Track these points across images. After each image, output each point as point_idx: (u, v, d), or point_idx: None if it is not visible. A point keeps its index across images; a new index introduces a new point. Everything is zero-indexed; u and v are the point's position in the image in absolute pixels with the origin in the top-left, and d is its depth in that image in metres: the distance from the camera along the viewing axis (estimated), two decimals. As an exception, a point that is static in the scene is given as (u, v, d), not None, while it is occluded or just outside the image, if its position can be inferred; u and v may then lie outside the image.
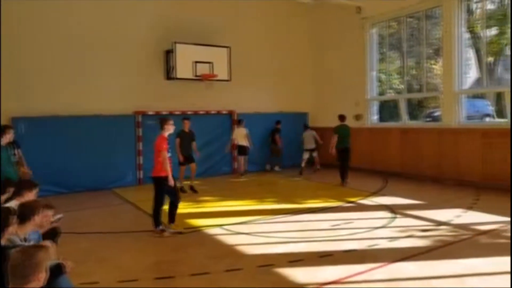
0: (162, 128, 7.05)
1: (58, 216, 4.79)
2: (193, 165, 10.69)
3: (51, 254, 3.68)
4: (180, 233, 6.82)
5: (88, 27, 11.48)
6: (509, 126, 9.67)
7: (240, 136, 12.92)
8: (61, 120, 10.96)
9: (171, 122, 7.12)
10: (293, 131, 14.60)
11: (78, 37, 11.34)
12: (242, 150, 13.04)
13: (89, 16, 11.47)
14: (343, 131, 11.02)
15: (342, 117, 11.29)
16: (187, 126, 10.60)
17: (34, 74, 10.71)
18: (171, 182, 6.81)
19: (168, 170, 6.73)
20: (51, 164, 10.53)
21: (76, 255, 5.52)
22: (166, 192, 6.89)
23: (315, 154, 13.78)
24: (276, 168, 14.20)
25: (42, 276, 2.79)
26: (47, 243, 3.97)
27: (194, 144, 10.70)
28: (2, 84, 9.67)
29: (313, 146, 13.61)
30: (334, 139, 10.97)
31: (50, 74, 10.95)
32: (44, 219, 4.11)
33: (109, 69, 11.80)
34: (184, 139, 10.46)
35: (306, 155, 13.53)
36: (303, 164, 13.38)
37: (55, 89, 10.99)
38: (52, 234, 4.61)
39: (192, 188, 10.60)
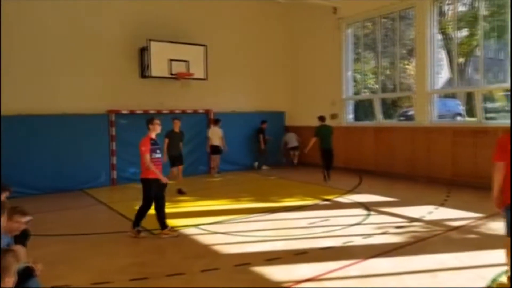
0: (148, 128, 6.76)
1: (27, 218, 4.65)
2: (180, 167, 10.36)
3: (20, 258, 3.62)
4: (177, 236, 6.62)
5: (59, 25, 11.23)
6: (479, 125, 9.95)
7: (216, 136, 12.89)
8: (31, 119, 10.66)
9: (158, 121, 6.83)
10: (270, 130, 14.64)
11: (49, 35, 11.09)
12: (216, 149, 13.04)
13: (60, 13, 11.22)
14: (324, 132, 11.35)
15: (322, 118, 11.62)
16: (177, 126, 10.24)
17: (2, 72, 10.36)
18: (164, 180, 6.60)
19: (155, 172, 6.50)
20: (20, 165, 10.28)
21: (48, 258, 5.39)
22: (154, 195, 6.60)
23: (297, 152, 14.61)
24: (264, 167, 14.38)
25: (10, 280, 2.74)
26: (17, 246, 3.89)
27: (180, 145, 10.42)
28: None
29: (295, 144, 14.57)
30: (313, 140, 11.41)
31: (19, 72, 10.64)
32: (15, 225, 4.03)
33: (81, 67, 11.56)
34: (173, 139, 10.11)
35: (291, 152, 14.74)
36: (295, 161, 14.67)
37: (23, 88, 10.69)
38: (21, 237, 4.47)
39: (180, 191, 10.19)
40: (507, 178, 4.03)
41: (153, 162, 6.55)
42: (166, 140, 9.99)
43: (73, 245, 6.34)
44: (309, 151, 11.89)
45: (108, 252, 5.99)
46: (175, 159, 10.19)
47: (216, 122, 13.15)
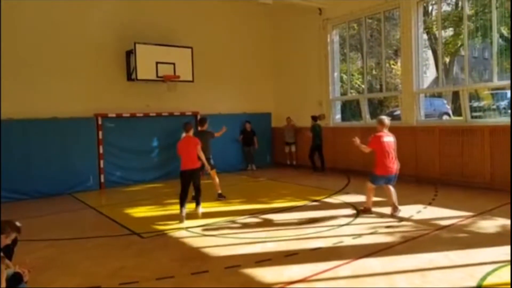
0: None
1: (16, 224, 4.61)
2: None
3: (9, 265, 3.58)
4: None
5: (45, 29, 11.09)
6: (465, 124, 10.06)
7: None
8: (18, 123, 10.53)
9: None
10: (257, 132, 14.63)
11: (35, 39, 10.94)
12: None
13: (46, 17, 11.08)
14: (318, 130, 12.79)
15: (314, 118, 12.87)
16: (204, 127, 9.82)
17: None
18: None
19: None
20: (7, 170, 10.10)
21: (36, 263, 5.31)
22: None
23: (294, 149, 14.68)
24: (254, 167, 14.59)
25: None
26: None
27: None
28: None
29: (292, 140, 14.62)
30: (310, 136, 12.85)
31: (5, 75, 10.42)
32: (5, 240, 4.07)
33: (68, 71, 11.44)
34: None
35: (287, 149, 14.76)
36: (294, 161, 14.77)
37: (9, 92, 10.48)
38: (10, 243, 4.45)
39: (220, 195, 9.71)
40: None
41: None
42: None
43: (61, 250, 6.25)
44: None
45: (97, 256, 5.92)
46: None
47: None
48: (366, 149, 7.63)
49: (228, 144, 14.07)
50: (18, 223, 4.54)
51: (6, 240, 4.12)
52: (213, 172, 9.39)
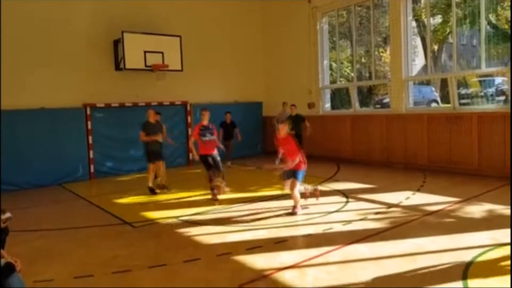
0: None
1: (7, 215, 4.59)
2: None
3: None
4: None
5: (31, 17, 10.91)
6: (453, 111, 10.16)
7: None
8: (5, 114, 10.39)
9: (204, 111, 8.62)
10: (248, 121, 14.63)
11: (22, 28, 10.77)
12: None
13: (32, 6, 10.88)
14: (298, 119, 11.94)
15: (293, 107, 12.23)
16: (151, 116, 9.54)
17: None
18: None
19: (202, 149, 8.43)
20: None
21: (28, 253, 5.33)
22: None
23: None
24: (229, 163, 12.77)
25: None
26: None
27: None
28: None
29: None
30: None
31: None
32: None
33: (56, 61, 11.31)
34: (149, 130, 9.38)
35: None
36: None
37: (-4, 82, 10.39)
38: (1, 233, 4.43)
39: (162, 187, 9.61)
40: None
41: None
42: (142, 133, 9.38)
43: (53, 240, 6.24)
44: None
45: (89, 245, 5.94)
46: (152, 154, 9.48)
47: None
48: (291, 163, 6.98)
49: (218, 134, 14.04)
50: (7, 214, 4.54)
51: None
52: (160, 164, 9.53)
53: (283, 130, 7.09)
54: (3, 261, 3.67)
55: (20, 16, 10.76)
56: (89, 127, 11.72)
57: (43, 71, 11.11)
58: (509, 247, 4.89)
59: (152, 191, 9.30)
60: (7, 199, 9.25)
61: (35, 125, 10.84)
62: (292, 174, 6.96)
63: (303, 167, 6.99)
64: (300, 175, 6.97)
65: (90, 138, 11.72)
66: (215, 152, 8.62)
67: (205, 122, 8.53)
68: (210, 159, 8.48)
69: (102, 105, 11.94)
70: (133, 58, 11.87)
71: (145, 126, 9.46)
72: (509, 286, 3.95)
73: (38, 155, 10.84)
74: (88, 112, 11.74)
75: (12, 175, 10.39)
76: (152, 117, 9.58)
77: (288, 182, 7.05)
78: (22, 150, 10.59)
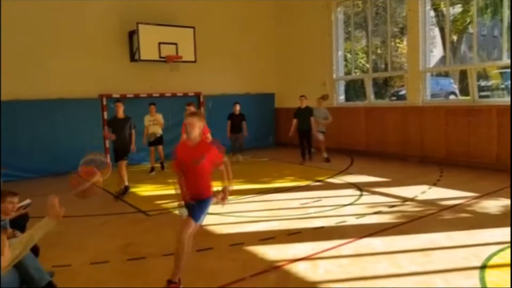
0: None
1: (26, 202, 4.71)
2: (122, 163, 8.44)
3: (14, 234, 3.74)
4: None
5: (49, 10, 11.01)
6: (472, 104, 9.95)
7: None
8: (24, 104, 10.64)
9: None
10: (260, 112, 14.57)
11: (40, 20, 10.91)
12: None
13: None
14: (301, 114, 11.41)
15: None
16: (120, 111, 8.49)
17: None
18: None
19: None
20: (15, 149, 10.31)
21: (46, 239, 5.35)
22: None
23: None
24: (241, 158, 12.20)
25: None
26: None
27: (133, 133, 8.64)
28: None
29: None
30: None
31: (10, 57, 10.46)
32: (8, 205, 4.23)
33: (73, 52, 11.45)
34: (116, 126, 8.46)
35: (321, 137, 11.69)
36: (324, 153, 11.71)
37: (16, 73, 10.58)
38: (21, 219, 4.66)
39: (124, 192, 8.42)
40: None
41: None
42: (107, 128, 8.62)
43: (70, 227, 6.30)
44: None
45: (105, 233, 6.04)
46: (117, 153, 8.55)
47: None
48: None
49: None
50: (27, 200, 4.65)
51: (7, 206, 4.23)
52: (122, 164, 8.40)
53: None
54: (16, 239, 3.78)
55: (38, 8, 10.86)
56: (105, 117, 11.81)
57: (61, 62, 11.25)
58: (527, 243, 4.76)
59: (118, 195, 8.17)
60: (26, 186, 9.38)
61: (53, 115, 11.08)
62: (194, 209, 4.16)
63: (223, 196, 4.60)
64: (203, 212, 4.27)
65: (106, 128, 11.79)
66: None
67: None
68: None
69: (118, 95, 12.00)
70: (147, 49, 11.93)
71: (110, 122, 8.67)
72: (510, 286, 3.85)
73: (56, 143, 11.05)
74: (104, 102, 11.85)
75: (30, 163, 10.61)
76: (120, 112, 8.47)
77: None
78: (40, 139, 10.82)
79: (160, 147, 10.92)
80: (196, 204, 4.18)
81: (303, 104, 11.36)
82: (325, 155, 11.47)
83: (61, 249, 5.30)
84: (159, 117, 10.87)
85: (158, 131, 10.86)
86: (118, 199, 8.05)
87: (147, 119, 10.85)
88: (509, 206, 6.43)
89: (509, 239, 4.94)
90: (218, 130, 13.56)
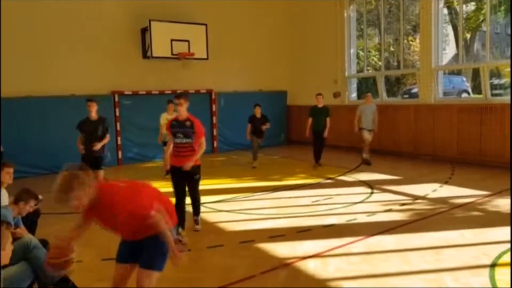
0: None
1: (39, 197, 4.80)
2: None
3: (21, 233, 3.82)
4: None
5: (61, 7, 11.09)
6: (485, 102, 9.86)
7: None
8: (36, 100, 10.71)
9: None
10: (272, 110, 14.55)
11: (52, 17, 10.99)
12: None
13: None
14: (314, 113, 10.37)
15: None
16: (93, 111, 7.54)
17: (5, 54, 10.26)
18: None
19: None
20: (27, 145, 10.39)
21: (54, 235, 5.46)
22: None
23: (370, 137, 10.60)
24: (256, 164, 10.89)
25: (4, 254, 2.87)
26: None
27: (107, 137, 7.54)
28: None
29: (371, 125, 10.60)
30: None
31: (23, 54, 10.59)
32: (29, 209, 4.40)
33: (85, 49, 11.51)
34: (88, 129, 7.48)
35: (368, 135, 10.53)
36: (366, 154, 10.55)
37: (27, 70, 10.68)
38: (33, 215, 4.74)
39: None
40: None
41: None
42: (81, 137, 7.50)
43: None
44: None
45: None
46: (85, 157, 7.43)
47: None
48: None
49: (242, 122, 14.06)
50: (40, 196, 4.73)
51: (26, 207, 4.34)
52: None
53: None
54: (27, 238, 3.86)
55: (51, 5, 10.95)
56: (117, 114, 11.92)
57: (73, 59, 11.32)
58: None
59: None
60: (37, 182, 9.52)
61: (65, 111, 11.06)
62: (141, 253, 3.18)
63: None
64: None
65: (118, 124, 11.92)
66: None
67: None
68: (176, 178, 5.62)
69: (130, 92, 12.11)
70: (160, 46, 11.99)
71: (81, 125, 7.52)
72: (510, 286, 3.84)
73: (67, 140, 11.02)
74: (116, 99, 11.94)
75: (42, 159, 10.69)
76: (93, 113, 7.53)
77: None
78: (52, 135, 10.85)
79: None
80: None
81: (320, 103, 10.31)
82: (365, 155, 10.36)
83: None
84: None
85: None
86: None
87: (164, 117, 9.57)
88: (522, 206, 6.40)
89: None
90: (229, 127, 13.80)
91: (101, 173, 7.28)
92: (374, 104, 10.69)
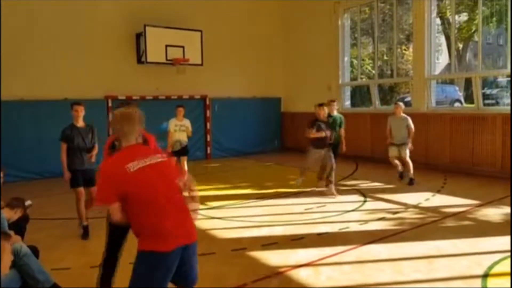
0: None
1: (27, 203, 4.74)
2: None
3: (15, 240, 3.78)
4: None
5: (55, 10, 11.07)
6: (477, 112, 9.94)
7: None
8: (28, 104, 10.63)
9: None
10: (266, 116, 14.60)
11: (46, 20, 10.96)
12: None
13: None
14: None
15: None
16: (80, 116, 6.87)
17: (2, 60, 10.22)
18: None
19: None
20: (19, 150, 10.33)
21: (46, 241, 5.42)
22: None
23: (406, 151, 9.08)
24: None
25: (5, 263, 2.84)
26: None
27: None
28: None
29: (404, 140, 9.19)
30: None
31: (15, 57, 10.51)
32: (16, 216, 4.36)
33: (78, 53, 11.45)
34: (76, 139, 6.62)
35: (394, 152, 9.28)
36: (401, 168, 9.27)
37: (20, 74, 10.60)
38: (21, 220, 4.61)
39: None
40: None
41: None
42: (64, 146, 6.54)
43: (70, 229, 6.33)
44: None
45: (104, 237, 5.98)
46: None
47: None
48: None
49: (236, 129, 14.07)
50: (28, 201, 4.68)
51: (14, 215, 4.31)
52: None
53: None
54: (18, 245, 3.81)
55: (44, 8, 10.92)
56: (111, 119, 11.86)
57: (66, 63, 11.28)
58: (530, 253, 4.76)
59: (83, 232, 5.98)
60: (30, 187, 9.45)
61: (58, 116, 10.96)
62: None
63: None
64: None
65: (110, 130, 11.85)
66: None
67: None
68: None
69: (124, 97, 12.06)
70: (154, 51, 11.97)
71: (65, 133, 6.62)
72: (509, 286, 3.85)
73: (60, 144, 11.00)
74: (110, 104, 11.89)
75: (34, 164, 10.61)
76: (80, 119, 6.77)
77: None
78: (44, 140, 10.69)
79: (185, 159, 9.20)
80: None
81: (333, 111, 8.88)
82: (409, 174, 8.94)
83: (60, 252, 5.29)
84: (188, 123, 9.16)
85: (185, 138, 9.18)
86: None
87: (173, 123, 9.10)
88: (513, 215, 6.43)
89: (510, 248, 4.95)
90: (223, 133, 13.79)
91: (93, 189, 6.31)
92: (406, 116, 9.36)
